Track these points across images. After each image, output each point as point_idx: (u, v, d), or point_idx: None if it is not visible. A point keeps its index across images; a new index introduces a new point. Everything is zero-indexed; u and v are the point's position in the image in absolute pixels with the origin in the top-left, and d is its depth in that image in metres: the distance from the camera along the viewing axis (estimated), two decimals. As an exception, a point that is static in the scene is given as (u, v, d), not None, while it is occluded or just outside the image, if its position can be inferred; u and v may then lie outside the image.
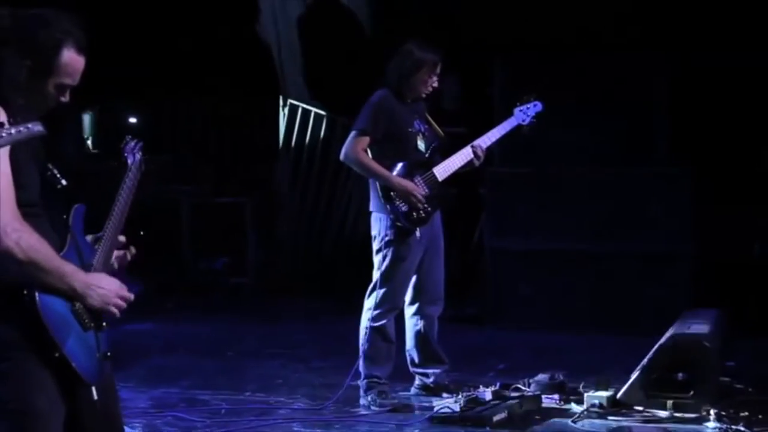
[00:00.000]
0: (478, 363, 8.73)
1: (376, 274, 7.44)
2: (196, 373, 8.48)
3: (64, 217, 3.78)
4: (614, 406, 7.07)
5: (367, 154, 7.35)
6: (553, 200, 10.57)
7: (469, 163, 7.52)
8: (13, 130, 3.11)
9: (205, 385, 8.02)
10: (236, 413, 7.24)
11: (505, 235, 10.74)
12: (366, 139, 7.35)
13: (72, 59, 3.71)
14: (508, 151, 10.53)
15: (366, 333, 7.40)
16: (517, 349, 9.47)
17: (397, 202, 7.28)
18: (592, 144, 10.49)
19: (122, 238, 4.00)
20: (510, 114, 7.76)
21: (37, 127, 3.18)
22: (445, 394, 7.30)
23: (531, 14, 11.42)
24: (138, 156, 4.27)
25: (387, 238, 7.37)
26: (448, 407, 6.85)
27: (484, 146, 7.55)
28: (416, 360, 7.68)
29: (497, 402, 7.02)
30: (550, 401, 7.29)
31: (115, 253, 3.96)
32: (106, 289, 3.70)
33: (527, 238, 10.61)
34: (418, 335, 7.61)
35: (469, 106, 11.59)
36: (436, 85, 7.51)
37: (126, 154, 4.26)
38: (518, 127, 7.76)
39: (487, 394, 7.09)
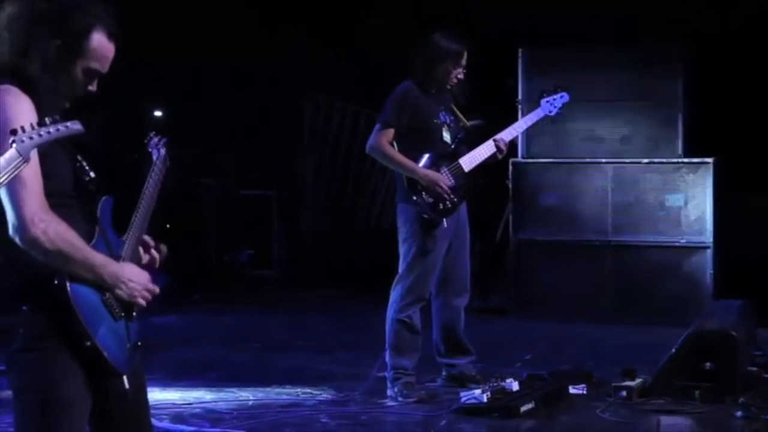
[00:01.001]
0: (504, 354, 8.72)
1: (401, 266, 7.44)
2: (223, 365, 8.50)
3: (93, 208, 3.79)
4: (642, 396, 7.07)
5: (393, 146, 7.35)
6: (577, 191, 10.57)
7: (493, 155, 7.50)
8: (52, 128, 3.13)
9: (231, 378, 8.04)
10: (263, 405, 7.26)
11: (529, 227, 10.74)
12: (391, 131, 7.34)
13: (102, 44, 3.71)
14: (532, 142, 10.54)
15: (392, 324, 7.40)
16: (543, 340, 9.46)
17: (424, 194, 7.27)
18: (615, 135, 10.49)
19: (151, 241, 4.00)
20: (537, 105, 7.75)
21: (76, 126, 3.19)
22: (471, 385, 7.30)
23: (552, 5, 11.39)
24: (162, 151, 4.28)
25: (413, 230, 7.36)
26: (475, 398, 6.85)
27: (507, 139, 7.53)
28: (443, 351, 7.68)
29: (524, 392, 7.01)
30: (577, 391, 7.29)
31: (144, 255, 3.96)
32: (135, 281, 3.71)
33: (552, 230, 10.61)
34: (445, 326, 7.61)
35: (486, 98, 11.59)
36: (461, 76, 7.51)
37: (150, 150, 4.28)
38: (545, 118, 7.75)
39: (513, 384, 7.09)
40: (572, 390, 7.29)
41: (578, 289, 10.42)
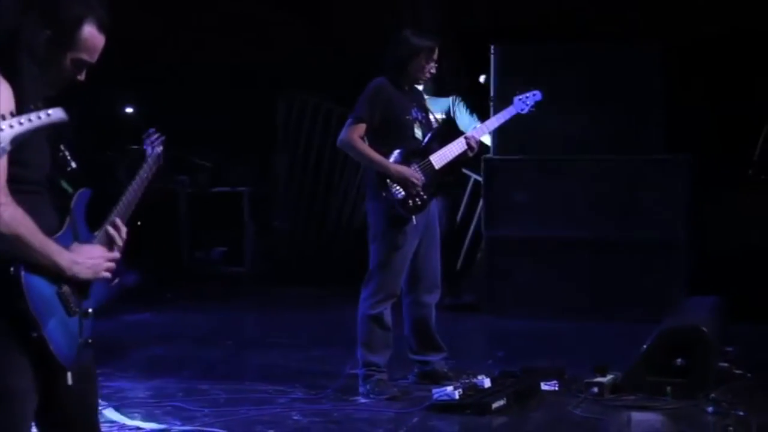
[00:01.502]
0: (477, 351, 8.75)
1: (371, 263, 7.44)
2: (195, 363, 8.48)
3: (67, 199, 3.77)
4: (613, 392, 7.09)
5: (364, 141, 7.35)
6: (549, 188, 10.60)
7: (464, 153, 7.51)
8: (33, 116, 3.10)
9: (204, 375, 8.02)
10: (235, 402, 7.24)
11: (501, 223, 10.75)
12: (362, 126, 7.34)
13: (92, 35, 3.70)
14: (504, 139, 10.55)
15: (363, 321, 7.40)
16: (515, 337, 9.49)
17: (394, 190, 7.27)
18: (589, 132, 10.52)
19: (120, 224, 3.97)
20: (509, 103, 7.76)
21: (58, 114, 3.16)
22: (443, 382, 7.30)
23: (527, 2, 11.41)
24: (158, 149, 4.27)
25: (383, 226, 7.36)
26: (447, 395, 6.85)
27: (478, 137, 7.55)
28: (414, 348, 7.68)
29: (496, 389, 7.02)
30: (549, 387, 7.31)
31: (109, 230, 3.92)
32: (94, 257, 3.69)
33: (524, 226, 10.63)
34: (416, 323, 7.62)
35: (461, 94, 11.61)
36: (434, 71, 7.52)
37: (146, 146, 4.26)
38: (517, 116, 7.76)
39: (485, 381, 7.10)
40: (544, 386, 7.31)
41: (551, 285, 10.44)
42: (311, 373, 8.07)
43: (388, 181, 7.26)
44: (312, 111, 13.69)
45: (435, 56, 7.46)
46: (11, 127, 3.05)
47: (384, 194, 7.27)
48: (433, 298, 7.63)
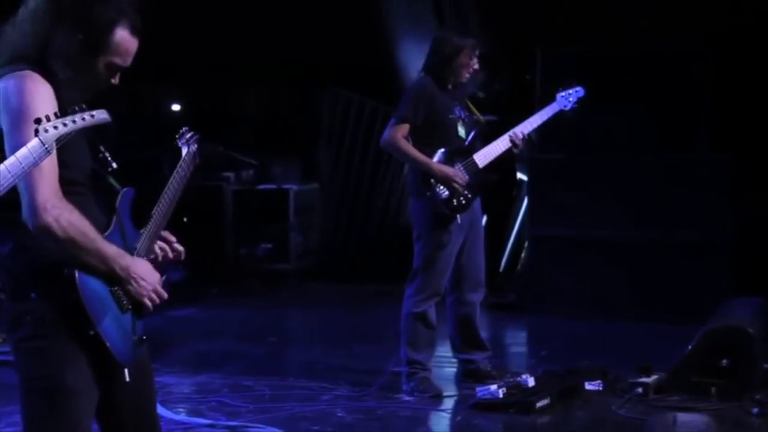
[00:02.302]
0: (520, 350, 8.74)
1: (416, 261, 7.45)
2: (240, 359, 8.52)
3: (112, 199, 3.80)
4: (657, 393, 7.07)
5: (408, 141, 7.36)
6: (593, 188, 10.55)
7: (509, 150, 7.51)
8: (77, 118, 3.13)
9: (248, 371, 8.07)
10: (280, 399, 7.28)
11: (545, 223, 10.73)
12: (406, 126, 7.35)
13: (124, 39, 3.71)
14: (549, 137, 10.52)
15: (407, 319, 7.42)
16: (558, 336, 9.46)
17: (438, 189, 7.27)
18: (633, 131, 10.45)
19: (172, 237, 4.01)
20: (552, 99, 7.75)
21: (102, 115, 3.20)
22: (487, 381, 7.31)
23: (571, 2, 11.38)
24: (193, 147, 4.28)
25: (427, 225, 7.37)
26: (491, 393, 6.86)
27: (522, 133, 7.54)
28: (459, 346, 7.69)
29: (540, 388, 7.02)
30: (592, 387, 7.29)
31: (159, 245, 3.97)
32: (146, 281, 3.70)
33: (568, 226, 10.59)
34: (461, 322, 7.62)
35: (504, 94, 11.60)
36: (476, 67, 7.52)
37: (181, 145, 4.27)
38: (560, 113, 7.75)
39: (529, 380, 7.10)
40: (588, 386, 7.30)
41: (594, 285, 10.39)
42: (355, 370, 8.09)
43: (432, 180, 7.26)
44: (357, 109, 13.71)
45: (476, 54, 7.47)
46: (56, 128, 3.08)
47: (428, 193, 7.28)
48: (477, 297, 7.63)
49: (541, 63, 10.71)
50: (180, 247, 4.01)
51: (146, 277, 3.70)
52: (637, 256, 10.34)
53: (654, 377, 7.17)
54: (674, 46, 10.49)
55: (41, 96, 3.50)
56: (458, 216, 7.32)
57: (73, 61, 3.62)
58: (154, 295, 3.72)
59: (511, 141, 7.45)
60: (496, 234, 11.28)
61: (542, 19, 11.39)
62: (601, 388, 7.30)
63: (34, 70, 3.56)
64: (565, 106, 7.69)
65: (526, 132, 7.55)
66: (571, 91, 7.70)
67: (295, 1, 13.06)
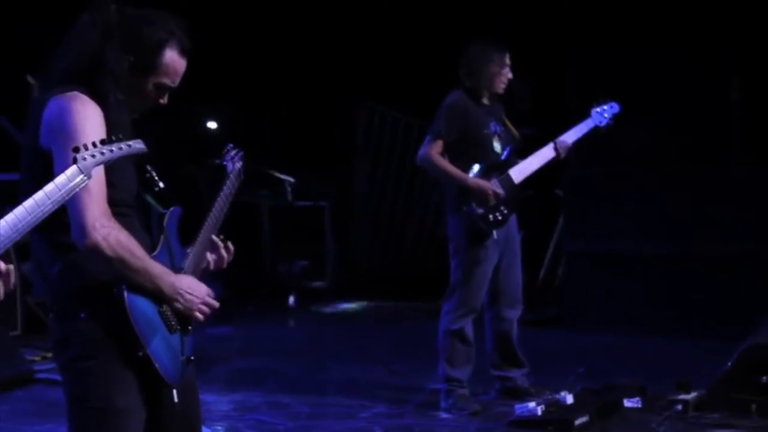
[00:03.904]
0: (558, 366, 8.68)
1: (453, 278, 7.44)
2: (277, 376, 8.53)
3: (160, 218, 3.82)
4: (697, 410, 7.03)
5: (444, 157, 7.35)
6: (630, 202, 10.51)
7: (551, 160, 7.48)
8: (114, 147, 3.16)
9: (286, 388, 8.07)
10: (317, 416, 7.28)
11: (582, 238, 10.70)
12: (441, 142, 7.35)
13: (173, 60, 3.74)
14: (585, 152, 10.47)
15: (445, 336, 7.40)
16: (596, 352, 9.42)
17: (474, 205, 7.26)
18: (668, 144, 10.41)
19: (219, 242, 4.02)
20: (587, 115, 7.72)
21: (138, 145, 3.23)
22: (526, 398, 7.29)
23: (603, 12, 11.33)
24: (238, 165, 4.31)
25: (463, 242, 7.36)
26: (529, 411, 6.84)
27: (569, 142, 7.52)
28: (497, 363, 7.67)
29: (579, 405, 6.99)
30: (631, 404, 7.25)
31: (212, 255, 3.99)
32: (194, 294, 3.73)
33: (605, 241, 10.55)
34: (499, 338, 7.60)
35: (541, 107, 11.57)
36: (510, 76, 7.47)
37: (226, 162, 4.30)
38: (595, 129, 7.72)
39: (568, 397, 7.07)
40: (627, 403, 7.25)
41: (632, 300, 10.35)
42: (393, 387, 8.08)
43: (468, 196, 7.26)
44: (391, 124, 13.73)
45: (507, 61, 7.44)
46: (93, 156, 3.11)
47: (464, 209, 7.27)
48: (515, 313, 7.61)
49: (573, 74, 10.69)
50: (230, 245, 4.03)
51: (193, 290, 3.72)
52: (676, 271, 10.29)
53: (693, 394, 7.12)
54: (708, 56, 10.43)
55: (90, 118, 3.52)
56: (494, 232, 7.31)
57: (122, 82, 3.65)
58: (204, 307, 3.74)
59: (556, 149, 7.42)
60: (534, 249, 11.25)
61: (572, 29, 11.37)
62: (640, 405, 7.25)
63: (84, 91, 3.58)
64: (601, 122, 7.67)
65: (571, 141, 7.52)
66: (606, 107, 7.68)
67: (330, 19, 13.11)
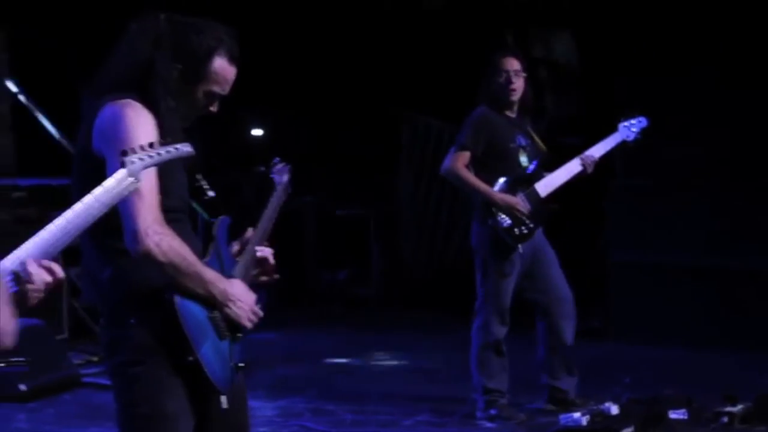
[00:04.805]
0: (603, 377, 8.64)
1: (480, 290, 7.42)
2: (321, 383, 8.54)
3: (209, 226, 3.85)
4: (744, 422, 6.98)
5: (469, 169, 7.32)
6: (676, 213, 10.45)
7: (576, 176, 7.44)
8: (162, 150, 3.18)
9: (329, 395, 8.08)
10: (361, 424, 7.28)
11: (627, 249, 10.64)
12: (466, 154, 7.32)
13: (222, 68, 3.76)
14: (630, 163, 10.44)
15: (479, 350, 7.39)
16: (641, 363, 9.36)
17: (499, 218, 7.23)
18: (715, 155, 10.34)
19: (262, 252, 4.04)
20: (614, 129, 7.66)
21: (186, 148, 3.25)
22: (571, 408, 7.25)
23: (651, 28, 11.30)
24: (285, 177, 4.35)
25: (489, 254, 7.34)
26: (575, 421, 6.81)
27: (596, 157, 7.48)
28: (547, 373, 7.60)
29: (624, 416, 6.95)
30: (677, 416, 7.20)
31: (260, 251, 4.01)
32: (244, 302, 3.74)
33: (650, 252, 10.49)
34: (551, 348, 7.54)
35: (588, 116, 11.55)
36: (518, 83, 7.36)
37: (273, 175, 4.34)
38: (623, 143, 7.66)
39: (613, 408, 7.04)
40: (672, 415, 7.21)
41: (677, 312, 10.27)
42: (436, 396, 8.08)
43: (493, 209, 7.23)
44: (436, 134, 13.72)
45: (510, 67, 7.35)
46: (141, 159, 3.13)
47: (489, 222, 7.25)
48: (568, 323, 7.54)
49: (619, 88, 10.64)
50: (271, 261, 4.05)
51: (243, 298, 3.74)
52: (721, 282, 10.21)
53: (740, 406, 7.07)
54: (754, 70, 10.35)
55: (143, 124, 3.55)
56: (519, 246, 7.27)
57: (172, 90, 3.67)
58: (252, 316, 3.76)
59: (583, 163, 7.39)
60: (579, 260, 11.20)
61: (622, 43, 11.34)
62: (686, 417, 7.20)
63: (136, 98, 3.61)
64: (628, 137, 7.62)
65: (598, 155, 7.49)
66: (633, 122, 7.63)
67: (376, 27, 13.14)
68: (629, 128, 7.62)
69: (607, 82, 11.04)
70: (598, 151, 7.53)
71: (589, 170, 7.43)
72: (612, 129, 7.69)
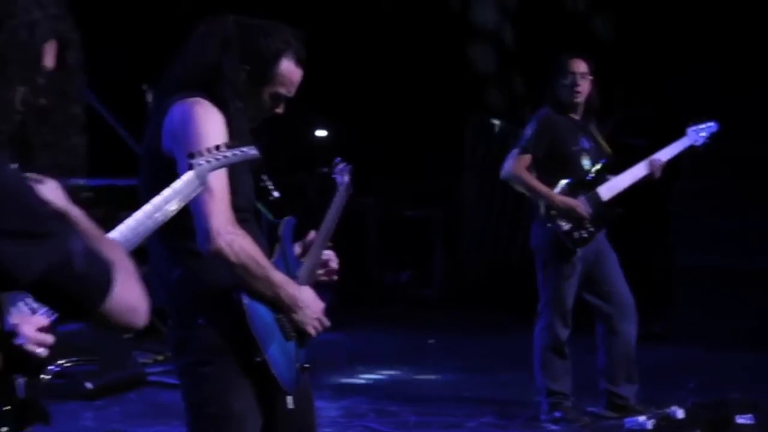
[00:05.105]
0: (668, 381, 8.58)
1: (543, 293, 7.40)
2: (385, 384, 8.55)
3: (274, 227, 3.87)
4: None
5: (531, 172, 7.29)
6: (741, 215, 10.36)
7: (641, 180, 7.38)
8: (229, 153, 3.20)
9: (393, 396, 8.08)
10: (425, 426, 7.28)
11: (693, 251, 10.56)
12: (528, 157, 7.29)
13: (289, 70, 3.78)
14: (697, 165, 10.35)
15: (542, 352, 7.36)
16: (707, 367, 9.28)
17: (559, 221, 7.20)
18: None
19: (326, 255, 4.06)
20: (683, 134, 7.59)
21: (252, 151, 3.27)
22: (632, 414, 7.19)
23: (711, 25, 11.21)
24: (347, 178, 4.36)
25: (549, 256, 7.31)
26: (640, 425, 6.77)
27: (664, 160, 7.41)
28: (608, 378, 7.55)
29: (689, 420, 6.90)
30: (744, 421, 7.13)
31: (325, 254, 4.03)
32: (310, 309, 3.76)
33: (716, 255, 10.41)
34: (611, 353, 7.48)
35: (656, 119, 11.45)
36: (584, 85, 7.32)
37: (335, 175, 4.35)
38: (691, 148, 7.59)
39: (678, 412, 6.98)
40: (739, 419, 7.13)
41: (744, 316, 10.19)
42: (500, 397, 8.06)
43: (553, 212, 7.19)
44: (500, 135, 13.68)
45: (577, 69, 7.29)
46: (208, 162, 3.15)
47: (549, 225, 7.22)
48: (629, 327, 7.48)
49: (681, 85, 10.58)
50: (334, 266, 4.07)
51: (311, 305, 3.75)
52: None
53: (808, 412, 6.99)
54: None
55: (212, 124, 3.57)
56: (579, 250, 7.23)
57: (239, 92, 3.69)
58: (317, 323, 3.77)
59: (651, 166, 7.33)
60: (643, 263, 11.12)
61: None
62: (752, 422, 7.12)
63: (205, 97, 3.63)
64: (696, 141, 7.54)
65: (666, 158, 7.43)
66: (703, 126, 7.55)
67: (440, 29, 13.14)
68: (697, 132, 7.54)
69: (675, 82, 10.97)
70: (665, 155, 7.46)
71: (657, 174, 7.37)
72: (680, 133, 7.62)
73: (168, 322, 3.78)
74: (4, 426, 2.30)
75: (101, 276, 2.28)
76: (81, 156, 2.61)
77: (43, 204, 2.27)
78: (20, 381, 2.30)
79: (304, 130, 13.65)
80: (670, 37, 11.53)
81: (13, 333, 2.31)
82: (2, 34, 2.31)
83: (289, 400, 3.78)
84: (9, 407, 2.29)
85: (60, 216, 2.30)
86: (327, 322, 3.82)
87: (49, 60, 2.43)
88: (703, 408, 7.27)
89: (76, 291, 2.25)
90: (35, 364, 2.28)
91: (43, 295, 2.28)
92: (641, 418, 6.80)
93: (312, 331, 3.77)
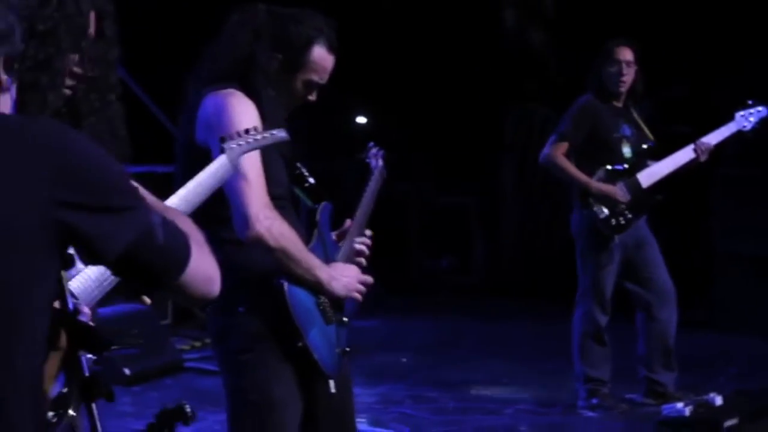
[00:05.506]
0: (708, 368, 8.55)
1: (582, 281, 7.38)
2: (422, 371, 8.55)
3: (312, 213, 3.88)
4: None
5: (570, 158, 7.26)
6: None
7: (687, 164, 7.31)
8: (259, 136, 3.22)
9: (431, 383, 8.09)
10: (463, 411, 7.28)
11: (734, 239, 10.50)
12: (565, 144, 7.27)
13: (321, 57, 3.79)
14: (737, 152, 10.27)
15: (581, 339, 7.35)
16: (747, 355, 9.23)
17: (597, 208, 7.16)
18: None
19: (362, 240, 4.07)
20: (731, 118, 7.51)
21: (281, 134, 3.28)
22: (673, 399, 7.16)
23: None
24: (381, 162, 4.36)
25: (589, 244, 7.30)
26: (678, 411, 6.72)
27: (713, 143, 7.34)
28: (647, 365, 7.52)
29: (728, 407, 6.85)
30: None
31: (357, 244, 4.04)
32: (349, 276, 3.78)
33: (758, 243, 10.33)
34: (651, 340, 7.45)
35: (697, 106, 11.38)
36: (629, 74, 7.26)
37: (369, 159, 4.36)
38: (739, 133, 7.50)
39: (717, 399, 6.93)
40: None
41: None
42: (538, 384, 8.06)
43: (590, 199, 7.16)
44: (540, 122, 13.63)
45: (622, 57, 7.23)
46: (239, 145, 3.16)
47: (586, 212, 7.18)
48: (668, 314, 7.45)
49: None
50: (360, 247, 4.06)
51: (347, 273, 3.77)
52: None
53: None
54: None
55: (246, 113, 3.59)
56: (616, 237, 7.19)
57: (273, 80, 3.71)
58: (359, 286, 3.79)
59: (696, 150, 7.26)
60: (684, 250, 11.06)
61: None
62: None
63: (239, 88, 3.65)
64: (745, 127, 7.45)
65: (713, 143, 7.35)
66: (752, 111, 7.45)
67: (480, 15, 13.11)
68: (746, 117, 7.43)
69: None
70: (713, 139, 7.38)
71: (703, 158, 7.29)
72: (727, 118, 7.54)
73: (207, 309, 3.80)
74: (70, 403, 2.31)
75: (180, 247, 2.30)
76: (122, 120, 2.68)
77: (122, 175, 2.26)
78: (85, 358, 2.30)
79: (345, 118, 13.66)
80: (720, 24, 11.45)
81: (77, 311, 2.30)
82: (54, 9, 2.36)
83: (331, 384, 3.80)
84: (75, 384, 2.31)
85: (135, 188, 2.29)
86: (369, 279, 3.84)
87: (92, 29, 2.51)
88: (742, 396, 7.22)
89: (157, 263, 2.26)
90: (100, 341, 2.28)
91: (125, 269, 2.27)
92: (679, 405, 6.74)
93: (358, 296, 3.80)
